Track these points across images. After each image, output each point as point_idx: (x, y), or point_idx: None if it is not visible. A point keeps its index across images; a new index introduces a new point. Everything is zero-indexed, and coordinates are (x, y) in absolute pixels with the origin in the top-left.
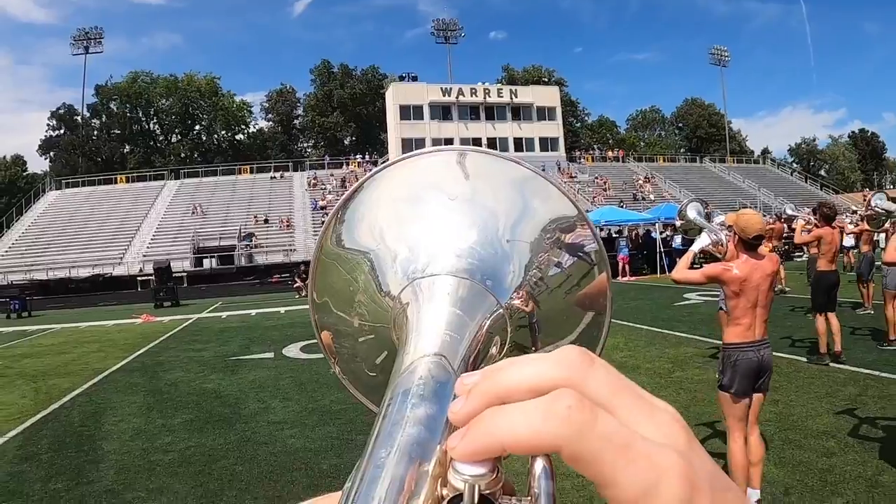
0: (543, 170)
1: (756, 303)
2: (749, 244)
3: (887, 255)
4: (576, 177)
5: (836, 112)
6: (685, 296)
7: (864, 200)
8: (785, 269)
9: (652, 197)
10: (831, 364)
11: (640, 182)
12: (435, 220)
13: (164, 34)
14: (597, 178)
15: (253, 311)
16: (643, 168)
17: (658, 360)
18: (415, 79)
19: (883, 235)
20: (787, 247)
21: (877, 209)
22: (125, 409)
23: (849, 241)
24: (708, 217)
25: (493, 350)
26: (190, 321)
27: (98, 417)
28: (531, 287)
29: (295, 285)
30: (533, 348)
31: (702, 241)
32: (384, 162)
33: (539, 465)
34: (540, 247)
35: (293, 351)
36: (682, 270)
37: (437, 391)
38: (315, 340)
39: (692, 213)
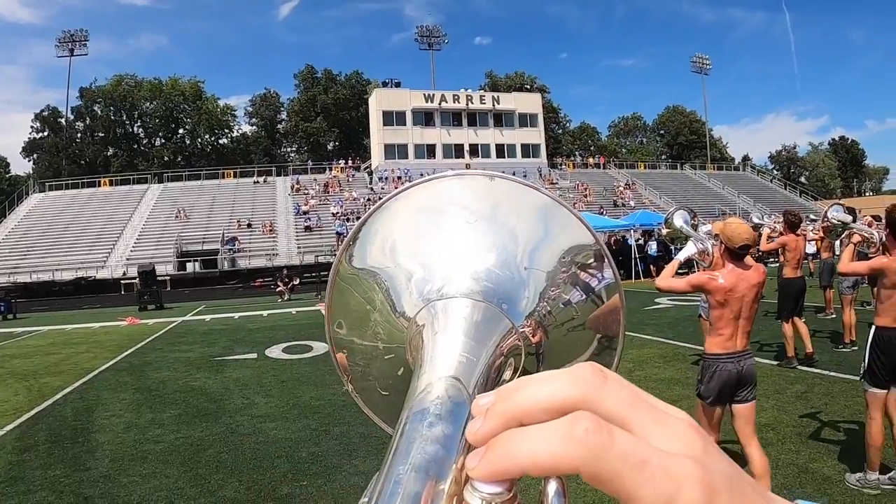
0: (525, 176)
1: (739, 314)
2: (735, 254)
3: (841, 265)
4: (557, 183)
5: (819, 119)
6: (656, 300)
7: (822, 212)
8: None
9: (632, 203)
10: (799, 367)
11: (621, 189)
12: (452, 241)
13: (149, 35)
14: (578, 184)
15: (236, 315)
16: (624, 175)
17: (621, 361)
18: (398, 84)
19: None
20: (758, 254)
21: (833, 221)
22: (116, 406)
23: (810, 247)
24: (694, 226)
25: (507, 374)
26: (175, 324)
27: (90, 413)
28: (545, 314)
29: (277, 289)
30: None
31: (688, 250)
32: (367, 167)
33: (552, 487)
34: (557, 273)
35: (275, 352)
36: (666, 279)
37: (454, 411)
38: (297, 342)
39: (679, 221)
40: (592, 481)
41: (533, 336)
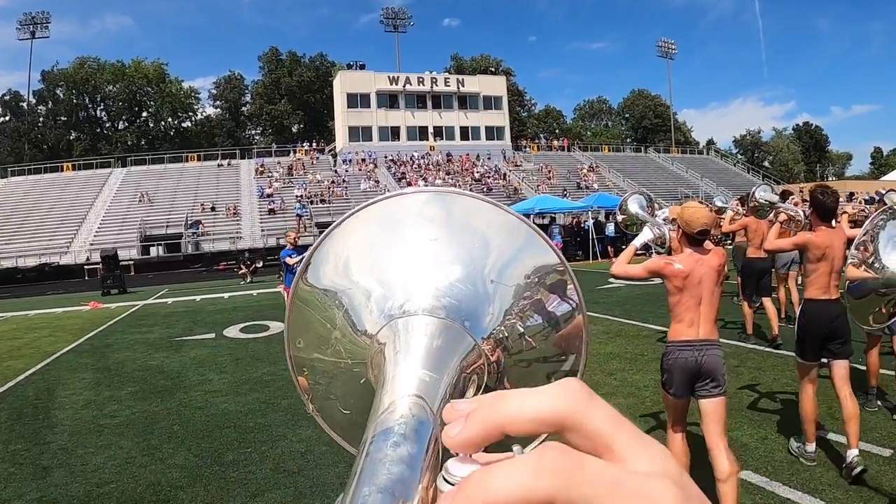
0: (489, 158)
1: (700, 300)
2: (693, 239)
3: (767, 242)
4: (521, 165)
5: (785, 105)
6: (609, 280)
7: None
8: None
9: (596, 186)
10: (751, 345)
11: (584, 171)
12: (414, 257)
13: (113, 17)
14: (542, 166)
15: (198, 297)
16: (588, 157)
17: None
18: (362, 67)
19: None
20: (720, 237)
21: (760, 200)
22: (76, 385)
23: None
24: (651, 211)
25: (471, 391)
26: (137, 307)
27: (51, 392)
28: (508, 332)
29: (240, 272)
30: (513, 386)
31: (644, 236)
32: (331, 150)
33: None
34: (522, 292)
35: (233, 332)
36: (622, 265)
37: (418, 430)
38: (255, 322)
39: (633, 206)
40: None
41: (491, 355)
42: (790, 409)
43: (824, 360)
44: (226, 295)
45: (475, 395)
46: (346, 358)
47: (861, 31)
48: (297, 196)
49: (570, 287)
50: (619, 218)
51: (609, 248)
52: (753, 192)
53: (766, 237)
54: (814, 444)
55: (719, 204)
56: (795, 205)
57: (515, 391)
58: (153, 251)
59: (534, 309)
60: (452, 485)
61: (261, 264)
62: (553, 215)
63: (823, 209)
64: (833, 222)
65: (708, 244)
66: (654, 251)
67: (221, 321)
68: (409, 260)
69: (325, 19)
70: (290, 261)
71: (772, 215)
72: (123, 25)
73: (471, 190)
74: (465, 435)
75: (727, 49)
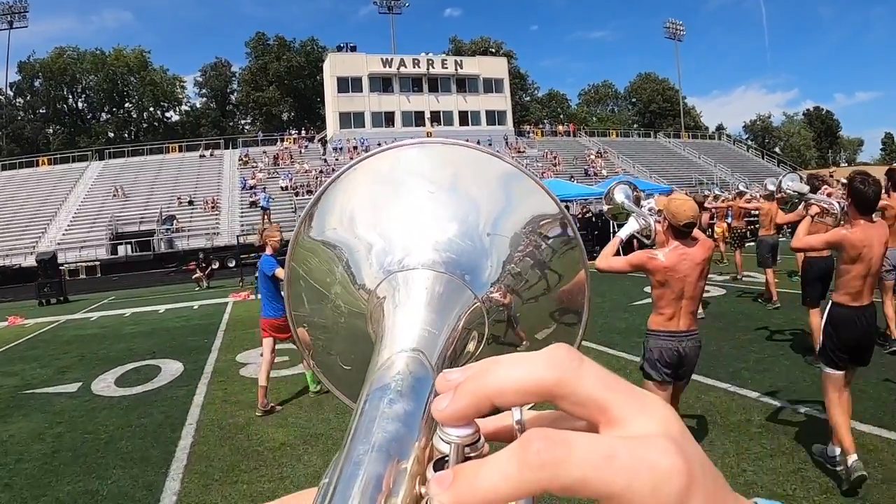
0: (490, 145)
1: (682, 294)
2: (680, 231)
3: (795, 239)
4: (524, 151)
5: (788, 92)
6: (646, 290)
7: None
8: (743, 254)
9: (604, 172)
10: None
11: (592, 157)
12: (413, 211)
13: (111, 10)
14: (546, 153)
15: (129, 311)
16: (595, 143)
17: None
18: (353, 49)
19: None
20: (748, 228)
21: (788, 191)
22: None
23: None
24: (637, 201)
25: (471, 346)
26: (55, 324)
27: None
28: (509, 282)
29: (194, 276)
30: (511, 343)
31: (630, 227)
32: (321, 138)
33: None
34: (520, 243)
35: (106, 381)
36: (606, 258)
37: (416, 387)
38: (145, 362)
39: (620, 196)
40: (566, 493)
41: (504, 299)
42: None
43: None
44: (161, 308)
45: (476, 349)
46: (345, 313)
47: (863, 17)
48: (282, 187)
49: (572, 237)
50: (605, 208)
51: (634, 241)
52: (780, 183)
53: (796, 233)
54: (854, 454)
55: (754, 191)
56: (829, 196)
57: (505, 359)
58: (121, 250)
59: (534, 259)
60: (449, 444)
61: (216, 265)
62: (566, 203)
63: (863, 200)
64: (874, 216)
65: (698, 234)
66: (640, 242)
67: (116, 356)
68: (408, 214)
69: (324, 11)
70: (279, 273)
71: (801, 207)
72: (109, 15)
73: None
74: (452, 408)
75: (730, 36)
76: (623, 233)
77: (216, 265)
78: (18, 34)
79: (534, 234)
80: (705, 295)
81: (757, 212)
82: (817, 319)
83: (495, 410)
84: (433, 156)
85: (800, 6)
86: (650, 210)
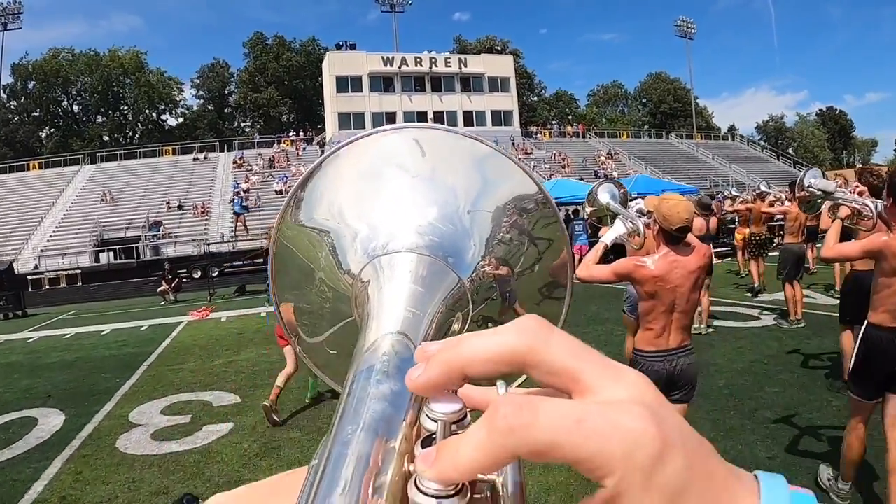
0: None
1: (673, 306)
2: (672, 236)
3: (825, 248)
4: (531, 153)
5: (798, 94)
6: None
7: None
8: (765, 264)
9: (615, 174)
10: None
11: (602, 158)
12: (395, 196)
13: (120, 15)
14: (555, 153)
15: (72, 331)
16: (605, 144)
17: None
18: (353, 47)
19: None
20: (770, 235)
21: (811, 189)
22: None
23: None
24: (625, 201)
25: (456, 326)
26: None
27: None
28: (492, 263)
29: (160, 289)
30: (495, 322)
31: (616, 230)
32: (319, 140)
33: (509, 475)
34: (501, 223)
35: None
36: (589, 266)
37: (401, 367)
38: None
39: (604, 196)
40: (539, 460)
41: (486, 279)
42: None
43: None
44: (108, 328)
45: (461, 329)
46: (330, 297)
47: (872, 18)
48: (276, 191)
49: (553, 216)
50: (588, 210)
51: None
52: (801, 179)
53: (826, 241)
54: (850, 483)
55: (763, 189)
56: (860, 194)
57: (477, 332)
58: (104, 258)
59: (517, 238)
60: (435, 422)
61: (186, 276)
62: (576, 206)
63: None
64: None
65: (692, 239)
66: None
67: (6, 399)
68: (391, 199)
69: (331, 14)
70: None
71: (826, 209)
72: (111, 18)
73: None
74: (424, 378)
75: (739, 38)
76: (608, 237)
77: (198, 274)
78: (21, 38)
79: (515, 214)
80: (714, 308)
81: (783, 217)
82: (850, 341)
83: (473, 383)
84: (410, 140)
85: (808, 7)
86: (639, 212)
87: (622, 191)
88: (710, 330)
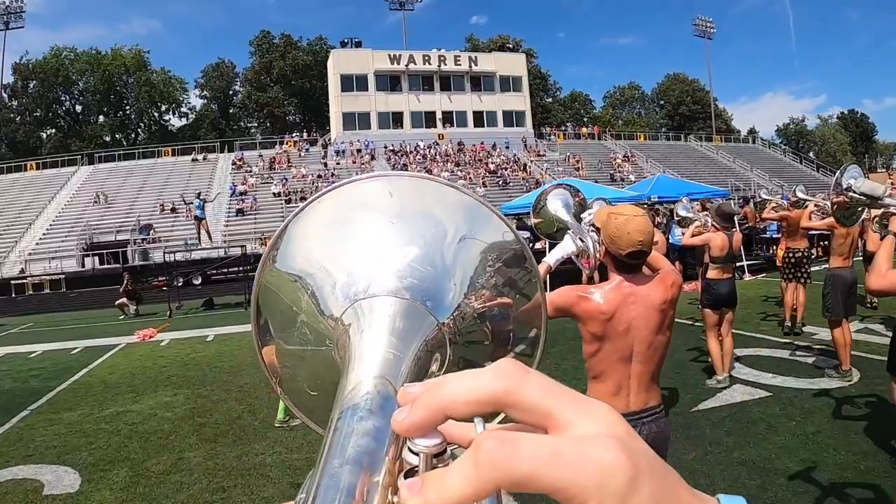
0: (507, 147)
1: (629, 354)
2: (622, 263)
3: (874, 276)
4: (544, 155)
5: (817, 98)
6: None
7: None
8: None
9: (632, 177)
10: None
11: (619, 161)
12: (376, 242)
13: (140, 19)
14: (569, 156)
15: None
16: (622, 146)
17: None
18: (358, 44)
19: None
20: (810, 250)
21: (854, 193)
22: None
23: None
24: (581, 209)
25: (434, 367)
26: None
27: None
28: (469, 307)
29: (117, 301)
30: (473, 364)
31: (563, 248)
32: (322, 140)
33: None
34: (480, 270)
35: None
36: None
37: (384, 405)
38: None
39: (554, 203)
40: (519, 489)
41: (464, 323)
42: None
43: None
44: (41, 349)
45: (439, 371)
46: (311, 340)
47: (891, 22)
48: (274, 193)
49: (529, 265)
50: (533, 221)
51: (677, 263)
52: (838, 179)
53: (876, 264)
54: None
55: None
56: None
57: (457, 375)
58: (89, 263)
59: (493, 286)
60: (417, 455)
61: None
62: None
63: None
64: None
65: (659, 260)
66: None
67: None
68: (371, 245)
69: (346, 18)
70: None
71: (872, 221)
72: (148, 26)
73: (483, 184)
74: (408, 421)
75: (757, 42)
76: (552, 257)
77: (179, 282)
78: (21, 38)
79: (493, 262)
80: (740, 350)
81: (829, 231)
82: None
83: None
84: (390, 188)
85: (827, 11)
86: (590, 224)
87: (578, 198)
88: (724, 384)
